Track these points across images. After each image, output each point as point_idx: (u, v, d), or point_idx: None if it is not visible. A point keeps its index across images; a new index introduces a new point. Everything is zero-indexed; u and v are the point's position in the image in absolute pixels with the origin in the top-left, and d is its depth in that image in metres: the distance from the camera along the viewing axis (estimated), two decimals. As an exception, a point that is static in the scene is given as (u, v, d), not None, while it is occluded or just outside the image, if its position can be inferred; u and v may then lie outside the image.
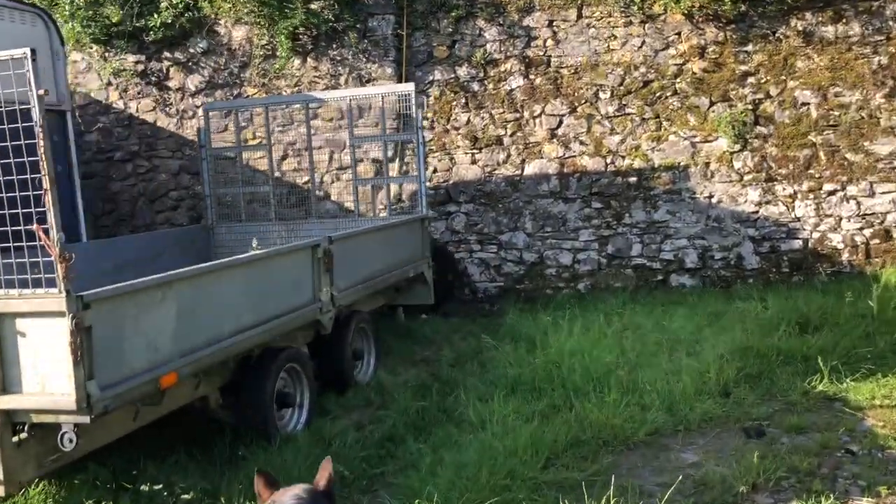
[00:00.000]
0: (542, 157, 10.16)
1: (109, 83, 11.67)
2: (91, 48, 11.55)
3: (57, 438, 4.01)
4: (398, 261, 8.13)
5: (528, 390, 6.42)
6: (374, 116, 10.55)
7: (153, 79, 11.48)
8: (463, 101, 10.45)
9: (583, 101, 10.01)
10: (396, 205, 10.60)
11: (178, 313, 4.68)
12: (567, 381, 6.47)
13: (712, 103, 9.59)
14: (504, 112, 10.29)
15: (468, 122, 10.45)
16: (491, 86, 10.37)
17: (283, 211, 10.50)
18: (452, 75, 10.49)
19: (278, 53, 10.70)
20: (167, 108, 11.54)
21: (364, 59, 10.61)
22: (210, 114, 9.76)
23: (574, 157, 10.04)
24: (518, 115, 10.24)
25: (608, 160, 9.91)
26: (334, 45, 10.69)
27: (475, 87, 10.43)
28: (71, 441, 3.99)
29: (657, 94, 9.76)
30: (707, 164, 9.61)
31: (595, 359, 6.82)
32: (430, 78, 10.60)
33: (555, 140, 10.11)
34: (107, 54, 11.51)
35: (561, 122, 10.10)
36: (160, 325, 4.53)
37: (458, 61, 10.47)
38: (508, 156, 10.27)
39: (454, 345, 8.35)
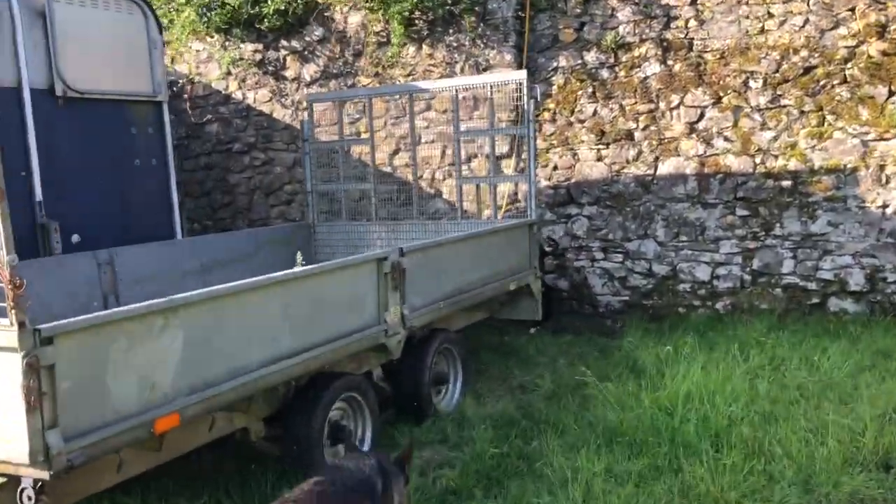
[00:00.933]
0: (678, 155, 8.84)
1: (229, 73, 11.39)
2: (212, 37, 11.30)
3: (16, 494, 3.40)
4: (497, 272, 7.18)
5: (629, 443, 5.30)
6: (493, 107, 9.59)
7: (270, 68, 11.09)
8: (590, 90, 9.29)
9: (729, 91, 8.59)
10: (512, 206, 9.62)
11: (187, 343, 3.99)
12: (678, 433, 5.30)
13: (892, 93, 7.91)
14: (636, 103, 9.04)
15: (594, 113, 9.29)
16: (622, 73, 9.14)
17: (394, 210, 9.81)
18: (579, 61, 9.35)
19: (392, 40, 9.96)
20: (283, 99, 11.11)
21: (482, 45, 9.67)
22: (316, 106, 9.16)
23: (716, 155, 8.65)
24: (652, 106, 8.96)
25: (757, 160, 8.45)
26: (450, 31, 9.82)
27: (604, 74, 9.23)
28: (30, 499, 3.37)
29: (821, 83, 8.18)
30: (881, 167, 7.95)
31: (717, 406, 5.59)
32: (554, 64, 9.50)
33: (694, 135, 8.76)
34: (227, 43, 11.22)
35: (702, 115, 8.73)
36: (159, 357, 3.85)
37: (585, 45, 9.31)
38: (639, 153, 9.03)
39: (558, 370, 7.30)
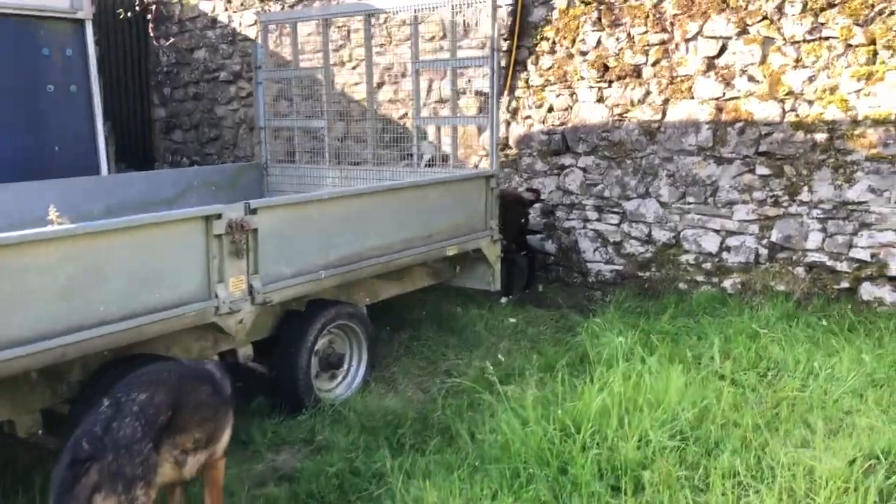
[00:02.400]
0: (691, 98, 7.23)
1: (216, -8, 10.32)
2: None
3: None
4: (430, 234, 5.92)
5: (508, 471, 4.05)
6: (483, 34, 8.16)
7: (256, -13, 9.93)
8: (595, 14, 7.72)
9: (758, 19, 6.88)
10: (501, 152, 8.24)
11: None
12: (571, 464, 4.01)
13: (967, 23, 6.09)
14: (647, 32, 7.44)
15: (598, 44, 7.73)
16: (633, -5, 7.53)
17: (379, 152, 8.63)
18: (585, -20, 7.77)
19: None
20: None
21: (473, -40, 8.18)
22: (302, 29, 7.96)
23: (737, 98, 7.00)
24: (666, 36, 7.34)
25: (786, 106, 6.77)
26: (441, -57, 8.35)
27: (612, -4, 7.64)
28: None
29: (876, 8, 6.39)
30: (945, 120, 6.18)
31: (641, 429, 4.24)
32: (556, -16, 7.96)
33: (712, 73, 7.11)
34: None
35: (724, 49, 7.06)
36: None
37: (593, -39, 7.72)
38: (647, 93, 7.45)
39: (499, 355, 6.02)
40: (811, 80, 6.65)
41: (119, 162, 10.12)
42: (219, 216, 4.31)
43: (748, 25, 6.92)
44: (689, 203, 7.24)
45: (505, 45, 8.16)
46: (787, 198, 6.77)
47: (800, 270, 6.73)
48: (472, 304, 7.24)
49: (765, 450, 4.22)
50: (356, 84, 9.25)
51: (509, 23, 8.11)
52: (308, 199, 5.08)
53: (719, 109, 7.07)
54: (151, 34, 9.68)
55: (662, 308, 6.88)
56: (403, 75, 8.92)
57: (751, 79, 6.91)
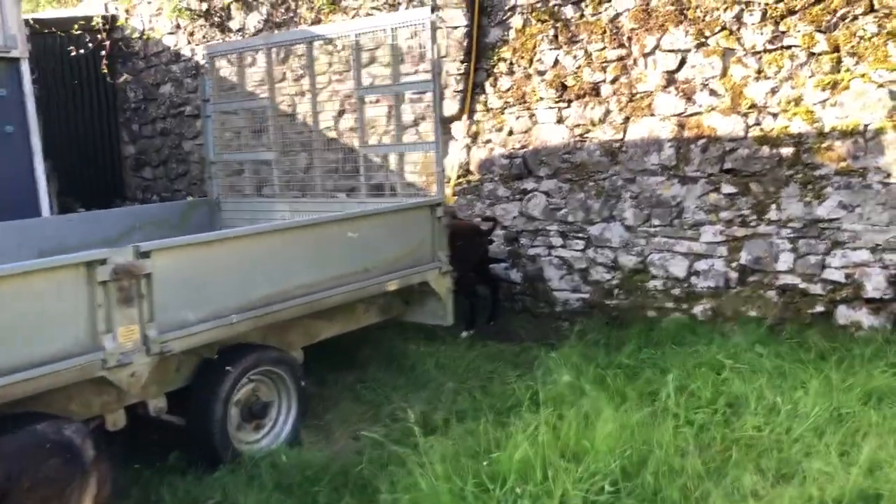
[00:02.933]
0: (652, 115, 6.86)
1: (178, 26, 10.12)
2: (161, -15, 10.04)
3: None
4: (364, 269, 5.56)
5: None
6: (440, 55, 7.86)
7: (216, 19, 9.72)
8: (551, 32, 7.39)
9: (717, 29, 6.52)
10: (463, 178, 7.90)
11: None
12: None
13: (936, 25, 5.69)
14: (604, 48, 7.09)
15: (556, 63, 7.39)
16: (589, 10, 7.19)
17: (340, 182, 8.36)
18: (540, -3, 7.46)
19: (322, -22, 8.36)
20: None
21: (427, -20, 7.92)
22: (216, 59, 7.71)
23: (699, 114, 6.62)
24: (623, 52, 6.99)
25: (750, 120, 6.38)
26: (394, -36, 8.10)
27: (568, 12, 7.31)
28: None
29: (839, 13, 6.01)
30: (916, 128, 5.77)
31: (588, 472, 3.83)
32: (511, 2, 7.64)
33: (672, 88, 6.75)
34: (170, -9, 9.93)
35: (683, 62, 6.70)
36: None
37: (547, -23, 7.40)
38: (607, 112, 7.09)
39: (445, 398, 5.63)
40: (774, 91, 6.26)
41: (84, 201, 9.91)
42: (103, 261, 3.99)
43: (707, 37, 6.56)
44: (655, 226, 6.84)
45: (462, 68, 7.84)
46: (755, 217, 6.36)
47: (772, 294, 6.30)
48: (430, 339, 6.86)
49: (707, 501, 3.79)
50: (320, 112, 8.95)
51: (465, 44, 7.79)
52: (213, 238, 4.74)
53: (681, 126, 6.69)
54: (105, 70, 9.41)
55: (628, 338, 6.48)
56: (362, 102, 8.61)
57: (712, 93, 6.54)
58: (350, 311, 5.92)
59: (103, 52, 8.99)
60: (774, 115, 6.27)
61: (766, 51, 6.30)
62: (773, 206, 6.27)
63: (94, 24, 9.24)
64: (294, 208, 7.20)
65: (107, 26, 9.23)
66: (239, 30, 9.55)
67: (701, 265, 6.63)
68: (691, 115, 6.65)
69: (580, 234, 7.26)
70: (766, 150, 6.28)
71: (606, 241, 7.10)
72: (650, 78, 6.84)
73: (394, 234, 5.85)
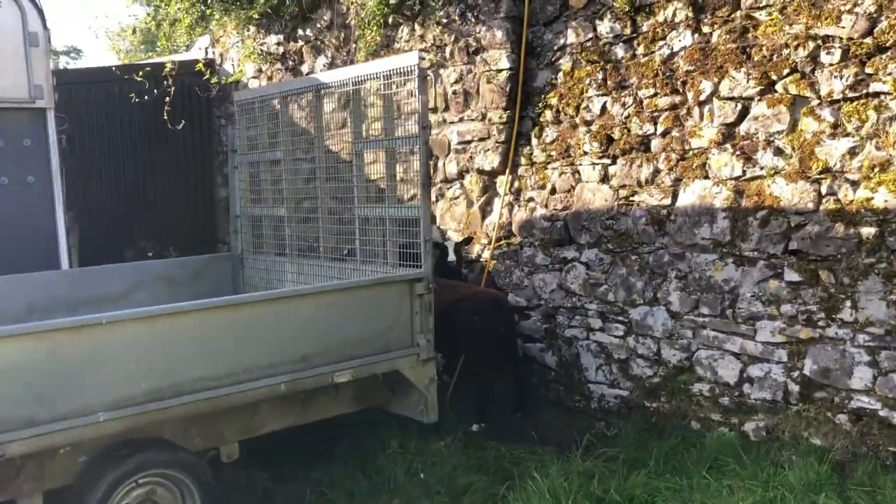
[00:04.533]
0: (706, 177, 5.54)
1: (260, 70, 9.91)
2: (247, 30, 9.88)
3: None
4: (301, 357, 4.76)
5: None
6: (484, 104, 6.98)
7: (290, 63, 9.39)
8: (600, 76, 6.26)
9: (786, 72, 5.13)
10: (502, 242, 6.91)
11: None
12: None
13: None
14: (656, 94, 5.86)
15: (603, 111, 6.25)
16: (641, 49, 6.01)
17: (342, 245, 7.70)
18: (591, 35, 6.36)
19: (366, 20, 7.71)
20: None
21: (472, 20, 7.05)
22: (245, 108, 7.25)
23: (760, 178, 5.23)
24: (677, 99, 5.74)
25: (823, 188, 4.93)
26: (441, 3, 7.29)
27: (619, 52, 6.16)
28: None
29: (944, 50, 4.48)
30: None
31: None
32: (561, 41, 6.59)
33: (729, 145, 5.40)
34: (249, 35, 9.74)
35: (744, 113, 5.35)
36: None
37: (599, 12, 6.29)
38: (655, 171, 5.84)
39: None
40: (854, 152, 4.78)
41: (177, 245, 9.92)
42: None
43: (773, 82, 5.18)
44: (704, 315, 5.49)
45: (505, 116, 6.86)
46: (823, 315, 4.87)
47: (842, 419, 4.77)
48: (423, 434, 5.89)
49: None
50: (373, 162, 8.29)
51: (509, 89, 6.82)
52: (72, 324, 4.12)
53: (738, 192, 5.32)
54: (165, 117, 9.31)
55: (671, 453, 5.21)
56: (412, 153, 7.85)
57: (777, 152, 5.14)
58: (311, 400, 5.14)
59: (167, 98, 8.89)
60: (853, 184, 4.78)
61: (845, 99, 4.84)
62: (848, 303, 4.76)
63: (166, 69, 9.23)
64: (300, 270, 6.54)
65: (173, 71, 9.13)
66: (309, 72, 9.13)
67: (755, 370, 5.19)
68: (751, 179, 5.28)
69: (620, 318, 6.02)
70: (840, 228, 4.80)
71: (649, 328, 5.81)
72: (705, 132, 5.53)
73: (352, 316, 5.00)
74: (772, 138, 5.17)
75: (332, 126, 7.13)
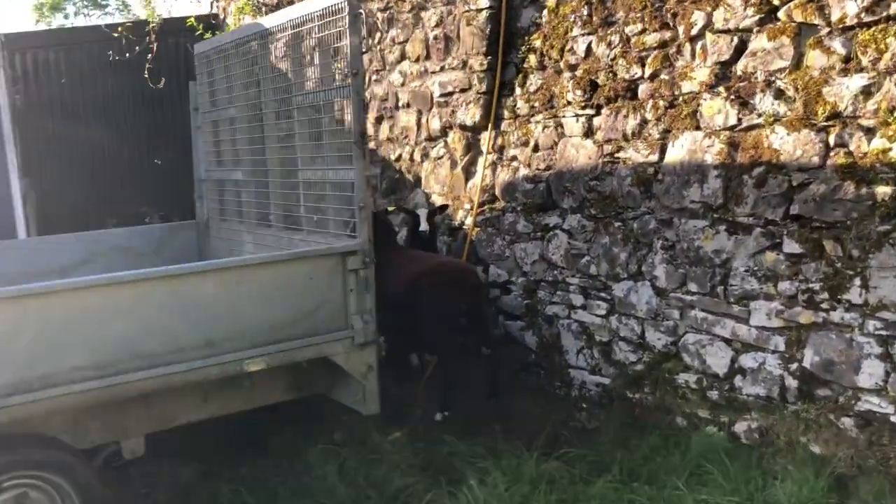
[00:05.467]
0: (697, 128, 4.62)
1: (257, 22, 9.25)
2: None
3: None
4: (206, 342, 4.15)
5: None
6: (465, 50, 6.19)
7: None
8: (585, 11, 5.36)
9: (790, -6, 4.16)
10: (487, 206, 6.14)
11: None
12: None
13: None
14: (644, 30, 4.95)
15: (588, 53, 5.35)
16: (629, -23, 5.08)
17: (380, 202, 7.15)
18: (576, -36, 5.45)
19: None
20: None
21: (449, -48, 6.21)
22: (205, 60, 6.60)
23: (758, 127, 4.29)
24: (668, 34, 4.81)
25: (831, 138, 3.97)
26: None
27: (605, -18, 5.24)
28: None
29: None
30: None
31: None
32: (544, -26, 5.70)
33: (722, 88, 4.46)
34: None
35: (742, 48, 4.40)
36: None
37: (584, -66, 5.37)
38: (643, 122, 4.95)
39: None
40: (869, 92, 3.81)
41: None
42: None
43: (775, 8, 4.21)
44: (692, 293, 4.62)
45: (485, 63, 6.03)
46: (826, 296, 3.95)
47: (847, 423, 3.88)
48: (389, 421, 5.24)
49: None
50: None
51: (489, 31, 5.98)
52: None
53: (733, 145, 4.40)
54: (146, 75, 8.72)
55: (653, 454, 4.44)
56: (396, 107, 7.11)
57: (778, 94, 4.19)
58: (232, 388, 4.53)
59: (149, 55, 8.32)
60: (868, 132, 3.81)
61: (860, 25, 3.85)
62: (857, 282, 3.83)
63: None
64: (256, 240, 5.93)
65: (155, 27, 8.55)
66: (299, 24, 8.43)
67: (748, 360, 4.32)
68: (747, 128, 4.34)
69: (603, 294, 5.19)
70: (850, 187, 3.85)
71: (632, 306, 4.97)
72: (697, 73, 4.60)
73: (269, 295, 4.35)
74: (772, 78, 4.22)
75: (278, 79, 6.42)
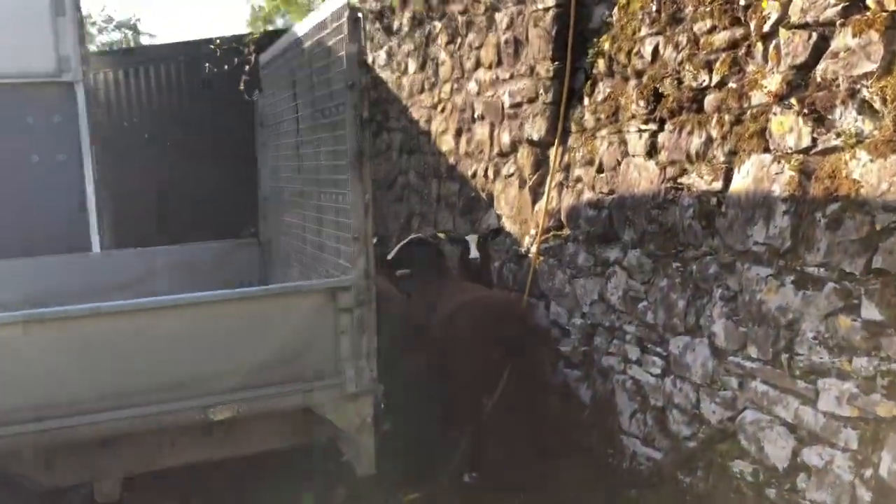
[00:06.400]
0: (766, 150, 3.64)
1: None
2: None
3: None
4: (177, 383, 3.78)
5: None
6: (532, 54, 5.49)
7: (386, 21, 8.36)
8: (653, 7, 4.48)
9: (881, -26, 3.12)
10: (548, 234, 5.40)
11: None
12: None
13: None
14: (714, 28, 4.02)
15: (655, 56, 4.47)
16: (700, -37, 4.15)
17: (458, 221, 6.71)
18: (648, -48, 4.58)
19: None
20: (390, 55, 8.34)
21: (518, -54, 5.50)
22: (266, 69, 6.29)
23: (837, 150, 3.27)
24: (739, 31, 3.86)
25: (923, 168, 2.91)
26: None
27: (675, -29, 4.34)
28: None
29: None
30: None
31: None
32: (616, -34, 4.86)
33: (795, 100, 3.46)
34: None
35: (822, 47, 3.38)
36: None
37: (657, -85, 4.49)
38: (708, 141, 4.01)
39: None
40: (978, 105, 2.72)
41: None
42: None
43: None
44: (753, 358, 3.64)
45: (552, 69, 5.27)
46: (912, 383, 2.90)
47: (934, 563, 2.80)
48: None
49: None
50: (443, 132, 7.04)
51: (554, 33, 5.21)
52: None
53: (805, 173, 3.40)
54: (242, 87, 8.59)
55: None
56: (472, 119, 6.48)
57: (862, 107, 3.15)
58: (224, 432, 4.14)
59: (246, 67, 8.19)
60: (976, 161, 2.73)
61: (970, 13, 2.77)
62: (952, 368, 2.75)
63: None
64: (315, 261, 5.53)
65: (254, 39, 8.42)
66: (397, 31, 8.02)
67: (812, 456, 3.30)
68: (823, 152, 3.33)
69: (659, 349, 4.29)
70: (949, 237, 2.78)
71: (687, 368, 4.04)
72: (769, 80, 3.62)
73: (245, 335, 3.91)
74: (856, 85, 3.19)
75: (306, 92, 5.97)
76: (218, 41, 8.46)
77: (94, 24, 23.14)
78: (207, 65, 8.47)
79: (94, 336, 3.67)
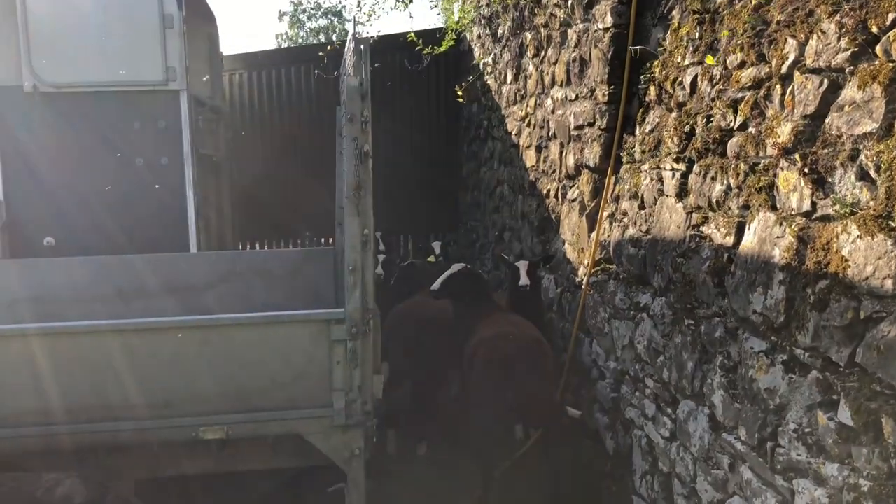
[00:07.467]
0: (773, 208, 3.23)
1: (478, 36, 8.91)
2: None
3: None
4: (164, 404, 3.97)
5: None
6: (592, 76, 5.25)
7: (493, 27, 8.25)
8: (696, 34, 4.11)
9: (891, 20, 2.66)
10: (604, 265, 5.15)
11: None
12: None
13: None
14: (744, 63, 3.61)
15: (693, 89, 4.09)
16: (738, -12, 3.75)
17: (532, 243, 6.67)
18: (700, -27, 4.19)
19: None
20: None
21: (584, -40, 5.22)
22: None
23: (829, 219, 2.84)
24: (764, 69, 3.44)
25: (906, 254, 2.46)
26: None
27: (718, -4, 3.95)
28: None
29: None
30: None
31: None
32: (671, -12, 4.49)
33: (798, 155, 3.03)
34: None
35: (832, 94, 2.94)
36: None
37: (708, -66, 4.10)
38: (727, 189, 3.62)
39: None
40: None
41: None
42: None
43: (875, 38, 2.73)
44: (742, 440, 3.26)
45: (607, 93, 4.96)
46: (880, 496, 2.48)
47: None
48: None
49: None
50: (528, 147, 6.84)
51: (611, 55, 4.88)
52: None
53: (804, 241, 2.98)
54: (458, 91, 8.74)
55: None
56: (549, 136, 6.23)
57: (862, 174, 2.72)
58: (230, 447, 4.32)
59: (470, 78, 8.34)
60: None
61: (970, 74, 2.30)
62: (912, 498, 2.32)
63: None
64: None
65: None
66: (499, 38, 7.86)
67: (782, 563, 2.91)
68: (821, 219, 2.90)
69: (669, 410, 3.95)
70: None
71: (688, 437, 3.69)
72: (782, 128, 3.21)
73: (239, 359, 4.01)
74: (858, 146, 2.74)
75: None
76: (329, 47, 8.66)
77: (304, 11, 24.62)
78: (316, 71, 8.74)
79: (89, 351, 3.89)
